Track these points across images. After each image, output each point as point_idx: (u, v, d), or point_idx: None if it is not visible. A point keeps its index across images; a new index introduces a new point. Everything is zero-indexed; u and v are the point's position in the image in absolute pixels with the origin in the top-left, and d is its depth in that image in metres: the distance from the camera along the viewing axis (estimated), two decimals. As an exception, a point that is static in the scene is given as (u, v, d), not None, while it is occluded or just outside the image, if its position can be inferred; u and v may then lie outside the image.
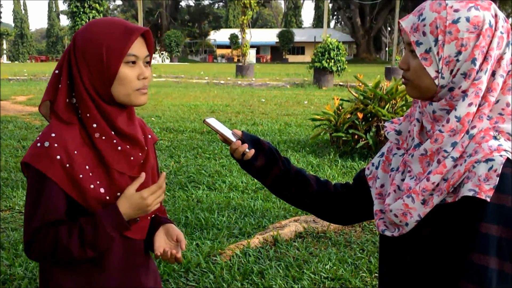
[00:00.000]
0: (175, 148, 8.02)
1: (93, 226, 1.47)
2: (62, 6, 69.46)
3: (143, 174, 1.53)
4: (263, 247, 4.05)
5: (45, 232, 1.47)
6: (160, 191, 1.54)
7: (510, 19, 55.35)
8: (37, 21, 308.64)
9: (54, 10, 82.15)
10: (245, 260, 3.81)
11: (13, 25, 77.42)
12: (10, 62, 65.02)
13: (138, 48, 1.51)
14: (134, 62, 1.51)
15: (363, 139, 7.19)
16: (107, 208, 1.50)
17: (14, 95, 17.06)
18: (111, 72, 1.47)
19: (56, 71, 1.53)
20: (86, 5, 33.92)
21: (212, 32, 73.45)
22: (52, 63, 57.07)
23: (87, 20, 33.54)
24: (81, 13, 33.90)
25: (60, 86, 1.50)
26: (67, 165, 1.45)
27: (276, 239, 4.16)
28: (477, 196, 1.18)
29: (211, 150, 7.83)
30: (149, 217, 1.67)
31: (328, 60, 20.08)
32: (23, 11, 76.89)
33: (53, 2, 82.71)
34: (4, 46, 63.89)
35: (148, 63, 1.58)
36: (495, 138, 1.25)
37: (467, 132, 1.26)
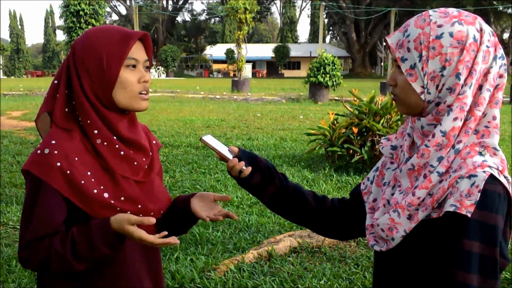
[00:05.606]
0: (170, 163, 8.02)
1: (86, 239, 1.42)
2: (59, 22, 69.37)
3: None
4: (258, 262, 4.04)
5: (39, 243, 1.43)
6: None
7: (505, 33, 55.69)
8: (34, 36, 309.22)
9: (50, 25, 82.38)
10: (239, 275, 3.79)
11: (9, 40, 77.58)
12: (6, 77, 65.06)
13: (137, 51, 1.52)
14: (134, 66, 1.51)
15: (358, 154, 7.20)
16: (98, 220, 1.44)
17: (9, 110, 17.05)
18: (111, 76, 1.47)
19: (55, 81, 1.53)
20: (82, 20, 33.97)
21: (208, 47, 73.67)
22: (48, 78, 57.08)
23: (84, 35, 33.64)
24: (77, 28, 33.94)
25: (57, 95, 1.50)
26: (68, 171, 1.43)
27: (271, 254, 4.14)
28: (458, 211, 1.18)
29: (206, 165, 7.83)
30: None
31: (323, 75, 20.20)
32: (19, 26, 77.08)
33: (50, 17, 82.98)
34: (1, 61, 63.93)
35: (148, 68, 1.58)
36: (480, 154, 1.26)
37: (453, 146, 1.27)
